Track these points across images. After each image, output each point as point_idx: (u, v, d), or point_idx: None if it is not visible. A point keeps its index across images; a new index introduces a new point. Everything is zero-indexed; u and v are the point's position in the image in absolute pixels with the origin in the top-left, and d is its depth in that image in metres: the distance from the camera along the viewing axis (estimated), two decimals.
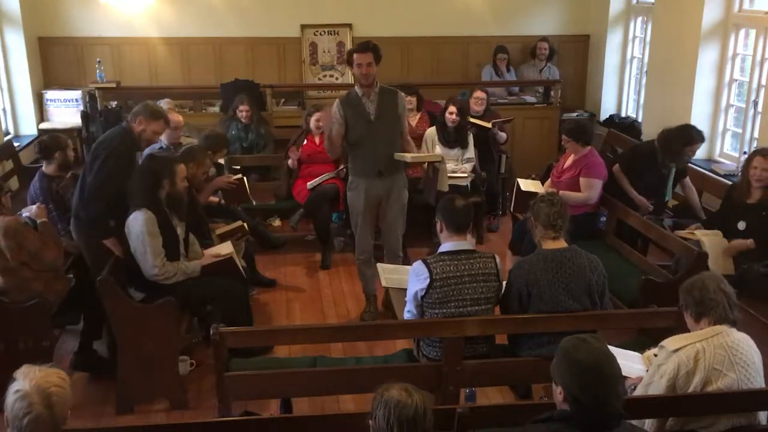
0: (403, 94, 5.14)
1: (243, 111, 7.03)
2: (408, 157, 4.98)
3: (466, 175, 6.31)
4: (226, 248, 4.63)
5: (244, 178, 5.79)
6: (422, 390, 2.34)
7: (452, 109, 6.27)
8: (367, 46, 4.84)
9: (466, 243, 3.70)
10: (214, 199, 5.72)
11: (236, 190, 5.68)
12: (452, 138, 6.32)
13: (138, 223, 4.17)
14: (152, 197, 4.23)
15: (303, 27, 8.53)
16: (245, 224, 5.22)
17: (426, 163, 5.33)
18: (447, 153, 6.17)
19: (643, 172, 5.43)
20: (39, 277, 4.18)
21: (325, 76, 8.69)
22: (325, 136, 5.14)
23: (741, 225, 4.84)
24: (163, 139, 5.60)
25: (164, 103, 6.51)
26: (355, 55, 4.82)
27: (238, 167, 6.51)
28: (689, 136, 5.26)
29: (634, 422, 2.95)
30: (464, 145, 6.35)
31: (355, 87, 4.98)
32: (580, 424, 2.29)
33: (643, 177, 5.44)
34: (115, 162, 4.38)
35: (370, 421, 2.31)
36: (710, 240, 4.77)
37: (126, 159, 4.48)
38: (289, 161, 6.41)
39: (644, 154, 5.46)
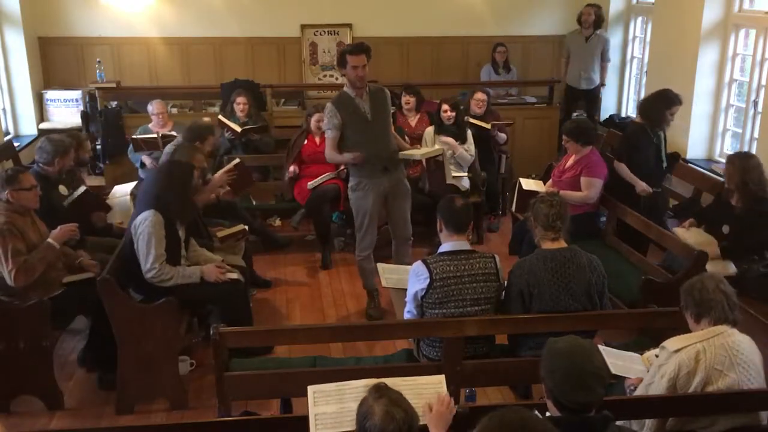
0: (387, 90, 5.12)
1: (240, 104, 6.89)
2: (417, 155, 4.92)
3: (469, 155, 6.32)
4: (236, 260, 4.71)
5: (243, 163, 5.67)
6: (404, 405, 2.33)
7: (445, 107, 6.30)
8: (361, 47, 4.77)
9: (466, 243, 3.71)
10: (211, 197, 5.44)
11: (239, 177, 5.52)
12: (451, 134, 6.30)
13: (147, 223, 4.19)
14: (166, 201, 4.25)
15: (303, 27, 8.52)
16: (246, 227, 5.19)
17: (425, 160, 5.32)
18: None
19: (640, 150, 5.46)
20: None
21: (325, 76, 8.68)
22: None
23: (725, 228, 4.77)
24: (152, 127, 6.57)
25: (156, 104, 6.64)
26: (348, 57, 4.73)
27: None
28: (667, 98, 5.46)
29: (634, 423, 2.96)
30: (463, 140, 6.32)
31: (345, 88, 4.93)
32: (565, 429, 2.26)
33: (642, 155, 5.45)
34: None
35: None
36: (695, 238, 4.74)
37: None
38: (287, 175, 6.31)
39: (635, 133, 5.51)
